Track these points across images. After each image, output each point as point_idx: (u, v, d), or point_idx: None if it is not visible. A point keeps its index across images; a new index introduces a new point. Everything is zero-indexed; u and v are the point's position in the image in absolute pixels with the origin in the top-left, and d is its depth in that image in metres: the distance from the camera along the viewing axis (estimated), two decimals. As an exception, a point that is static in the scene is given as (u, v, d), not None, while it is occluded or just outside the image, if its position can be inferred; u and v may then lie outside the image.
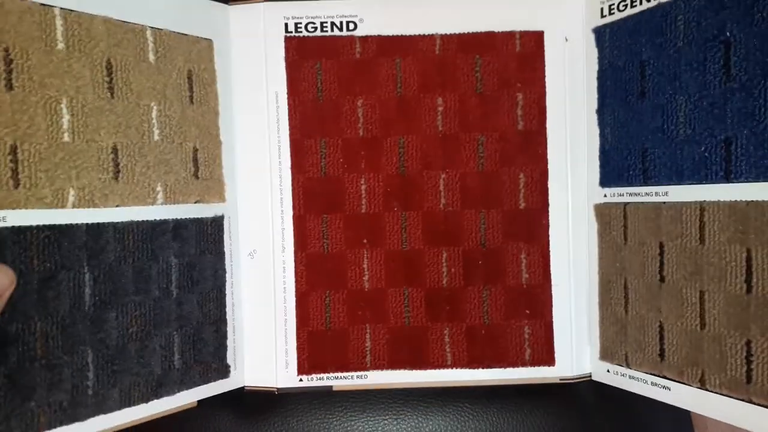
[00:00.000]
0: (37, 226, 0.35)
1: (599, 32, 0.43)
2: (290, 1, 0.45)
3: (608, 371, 0.44)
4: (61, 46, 0.36)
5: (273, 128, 0.45)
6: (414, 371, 0.45)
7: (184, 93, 0.42)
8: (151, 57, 0.40)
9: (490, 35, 0.44)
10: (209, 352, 0.43)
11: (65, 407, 0.36)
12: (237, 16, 0.45)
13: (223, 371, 0.44)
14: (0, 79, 0.33)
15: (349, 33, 0.44)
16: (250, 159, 0.45)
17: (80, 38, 0.37)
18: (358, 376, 0.45)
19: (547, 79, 0.44)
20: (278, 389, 0.45)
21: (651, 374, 0.41)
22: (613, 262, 0.43)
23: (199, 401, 0.43)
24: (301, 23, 0.44)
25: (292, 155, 0.44)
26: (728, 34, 0.36)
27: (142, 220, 0.40)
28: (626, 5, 0.42)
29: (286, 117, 0.44)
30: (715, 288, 0.37)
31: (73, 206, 0.36)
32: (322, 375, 0.45)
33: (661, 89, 0.39)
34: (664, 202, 0.40)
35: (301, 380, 0.45)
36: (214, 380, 0.44)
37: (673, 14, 0.39)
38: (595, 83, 0.44)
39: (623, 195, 0.43)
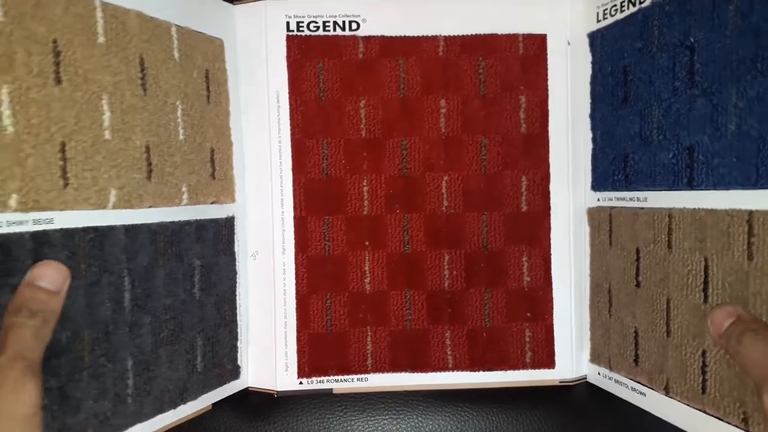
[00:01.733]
0: (84, 228, 0.33)
1: (593, 37, 0.43)
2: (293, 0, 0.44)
3: (599, 374, 0.45)
4: (101, 39, 0.34)
5: (274, 128, 0.44)
6: (415, 374, 0.45)
7: (202, 92, 0.41)
8: (176, 54, 0.39)
9: (493, 37, 0.44)
10: (225, 354, 0.43)
11: (109, 417, 0.35)
12: (241, 15, 0.44)
13: (236, 372, 0.44)
14: (50, 72, 0.32)
15: (352, 33, 0.44)
16: (252, 159, 0.44)
17: (117, 32, 0.35)
18: (358, 379, 0.45)
19: (549, 82, 0.44)
20: (278, 392, 0.44)
21: (629, 379, 0.42)
22: (601, 266, 0.44)
23: (213, 404, 0.43)
24: (303, 22, 0.44)
25: (293, 155, 0.44)
26: (692, 39, 0.35)
27: (171, 221, 0.39)
28: (617, 10, 0.42)
29: (288, 117, 0.44)
30: (679, 296, 0.37)
31: (114, 207, 0.35)
32: (322, 378, 0.44)
33: (639, 95, 0.39)
34: (642, 208, 0.40)
35: (301, 383, 0.44)
36: (228, 382, 0.43)
37: (650, 19, 0.39)
38: (588, 88, 0.44)
39: (612, 200, 0.43)
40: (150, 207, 0.37)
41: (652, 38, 0.38)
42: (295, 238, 0.44)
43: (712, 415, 0.35)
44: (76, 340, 0.33)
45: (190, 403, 0.40)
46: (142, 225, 0.37)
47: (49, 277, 0.30)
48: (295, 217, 0.44)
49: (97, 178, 0.34)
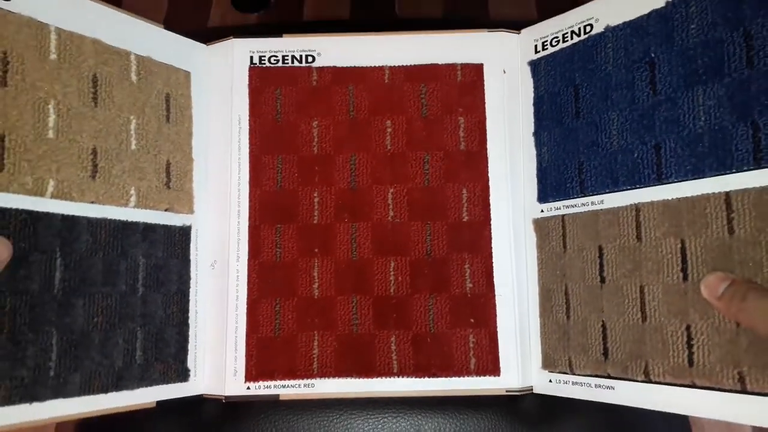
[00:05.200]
0: (16, 209, 0.38)
1: (535, 64, 0.48)
2: (257, 38, 0.50)
3: (550, 381, 0.45)
4: (53, 56, 0.40)
5: (235, 147, 0.48)
6: (361, 380, 0.45)
7: (161, 112, 0.46)
8: (134, 77, 0.45)
9: (434, 67, 0.49)
10: (170, 353, 0.44)
11: (26, 384, 0.37)
12: (212, 53, 0.50)
13: (183, 374, 0.45)
14: None
15: (308, 65, 0.49)
16: (215, 175, 0.48)
17: (71, 52, 0.41)
18: (305, 385, 0.45)
19: (486, 105, 0.49)
20: (226, 397, 0.45)
21: (595, 376, 0.42)
22: (554, 271, 0.45)
23: (158, 402, 0.43)
24: (265, 56, 0.50)
25: (250, 170, 0.48)
26: (653, 55, 0.41)
27: (115, 219, 0.42)
28: (558, 41, 0.47)
29: (247, 136, 0.48)
30: (654, 280, 0.39)
31: (52, 196, 0.39)
32: (269, 383, 0.45)
33: (594, 108, 0.44)
34: (600, 209, 0.43)
35: (248, 388, 0.45)
36: (174, 382, 0.44)
37: (602, 43, 0.44)
38: (531, 109, 0.48)
39: (560, 208, 0.45)
40: (92, 202, 0.41)
41: (606, 58, 0.44)
42: (249, 245, 0.47)
43: (701, 387, 0.37)
44: None
45: (126, 393, 0.41)
46: (82, 217, 0.41)
47: None
48: (249, 226, 0.47)
49: (35, 168, 0.39)
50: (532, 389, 0.46)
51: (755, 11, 0.36)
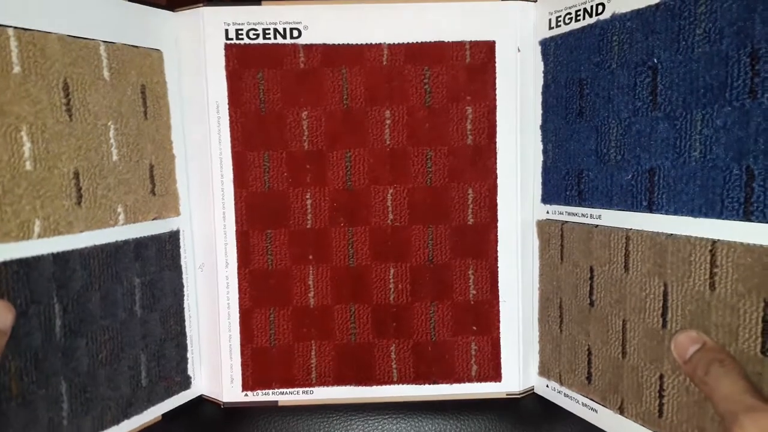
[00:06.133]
0: (5, 262, 0.33)
1: (545, 44, 0.42)
2: (232, 6, 0.42)
3: (547, 386, 0.45)
4: (17, 69, 0.33)
5: (215, 140, 0.43)
6: (360, 388, 0.45)
7: (138, 108, 0.40)
8: (106, 74, 0.38)
9: (439, 45, 0.43)
10: (172, 367, 0.43)
11: None
12: (180, 23, 0.42)
13: (186, 383, 0.44)
14: None
15: (293, 41, 0.42)
16: (195, 171, 0.44)
17: (36, 60, 0.34)
18: (304, 392, 0.45)
19: (498, 92, 0.43)
20: (224, 403, 0.45)
21: (581, 395, 0.42)
22: (551, 280, 0.43)
23: (163, 414, 0.43)
24: (242, 29, 0.42)
25: (234, 169, 0.43)
26: (656, 60, 0.34)
27: (105, 243, 0.38)
28: (571, 18, 0.40)
29: (228, 129, 0.43)
30: (636, 318, 0.37)
31: (39, 236, 0.34)
32: (267, 390, 0.44)
33: (596, 110, 0.38)
34: (597, 225, 0.39)
35: (246, 395, 0.44)
36: (177, 393, 0.44)
37: (609, 33, 0.37)
38: (540, 98, 0.43)
39: (563, 213, 0.42)
40: (81, 232, 0.37)
41: (611, 53, 0.37)
42: (238, 253, 0.43)
43: None
44: (2, 371, 0.33)
45: (135, 418, 0.40)
46: (73, 251, 0.36)
47: None
48: (237, 231, 0.43)
49: (18, 212, 0.33)
50: (533, 389, 0.46)
51: (766, 26, 0.29)
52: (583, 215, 0.40)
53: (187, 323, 0.44)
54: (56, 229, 0.35)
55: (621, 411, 0.38)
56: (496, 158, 0.43)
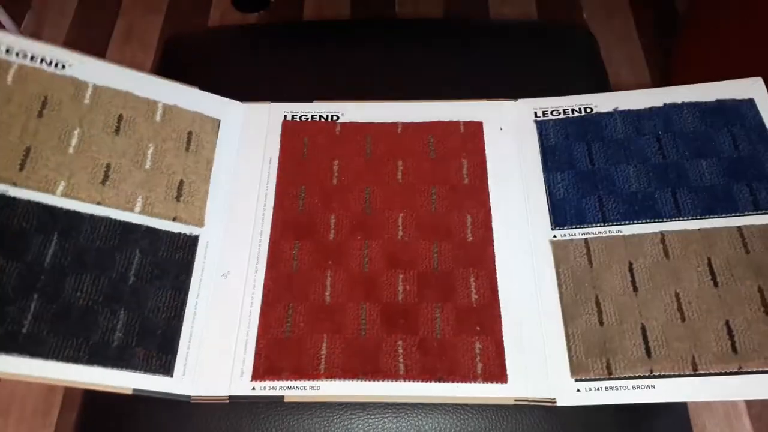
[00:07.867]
0: (28, 200, 0.45)
1: (541, 123, 0.56)
2: (291, 103, 0.60)
3: (578, 390, 0.44)
4: (87, 102, 0.51)
5: (264, 179, 0.55)
6: (367, 383, 0.45)
7: (181, 144, 0.54)
8: (158, 118, 0.54)
9: (439, 123, 0.57)
10: (155, 343, 0.45)
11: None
12: (248, 110, 0.59)
13: (166, 367, 0.45)
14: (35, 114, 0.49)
15: (333, 121, 0.58)
16: (241, 199, 0.54)
17: (101, 100, 0.52)
18: (311, 387, 0.45)
19: (486, 151, 0.56)
20: (230, 396, 0.45)
21: (634, 378, 0.43)
22: (582, 284, 0.47)
23: (134, 390, 0.43)
24: (297, 115, 0.59)
25: (276, 197, 0.53)
26: (660, 133, 0.52)
27: (119, 219, 0.48)
28: (558, 113, 0.56)
29: (276, 172, 0.55)
30: (688, 286, 0.46)
31: (61, 195, 0.46)
32: (275, 383, 0.45)
33: (609, 160, 0.53)
34: (622, 235, 0.49)
35: (253, 388, 0.45)
36: (155, 373, 0.44)
37: (610, 119, 0.54)
38: (528, 156, 0.55)
39: (575, 235, 0.50)
40: (98, 203, 0.48)
41: (616, 130, 0.54)
42: (268, 259, 0.50)
43: (744, 372, 0.42)
44: None
45: (99, 369, 0.42)
46: (86, 213, 0.47)
47: None
48: (270, 242, 0.51)
49: (50, 171, 0.47)
50: (554, 401, 0.44)
51: (735, 120, 0.51)
52: (600, 232, 0.50)
53: (188, 320, 0.47)
54: (76, 194, 0.47)
55: (694, 367, 0.42)
56: (488, 193, 0.53)
